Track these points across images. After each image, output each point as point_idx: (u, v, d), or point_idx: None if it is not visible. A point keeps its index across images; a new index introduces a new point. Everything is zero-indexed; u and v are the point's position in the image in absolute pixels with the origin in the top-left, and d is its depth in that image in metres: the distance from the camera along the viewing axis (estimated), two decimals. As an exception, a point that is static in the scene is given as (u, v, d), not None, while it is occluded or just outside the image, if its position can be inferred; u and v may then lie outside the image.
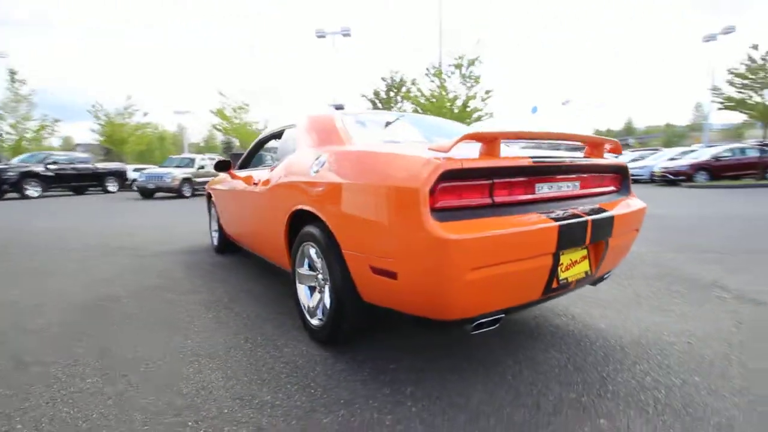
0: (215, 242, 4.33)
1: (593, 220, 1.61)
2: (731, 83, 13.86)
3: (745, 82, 13.56)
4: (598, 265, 1.77)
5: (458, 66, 13.24)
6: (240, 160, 3.57)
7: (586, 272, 1.72)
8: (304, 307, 2.13)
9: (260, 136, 3.34)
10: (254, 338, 2.11)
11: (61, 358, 1.90)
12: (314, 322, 2.03)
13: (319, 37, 20.76)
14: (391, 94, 18.80)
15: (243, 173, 3.26)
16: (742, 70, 13.75)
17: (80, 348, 2.01)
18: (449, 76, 13.84)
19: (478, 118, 13.75)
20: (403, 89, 18.30)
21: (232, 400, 1.54)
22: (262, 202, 2.54)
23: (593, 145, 1.86)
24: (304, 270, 2.15)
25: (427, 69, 14.38)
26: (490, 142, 1.41)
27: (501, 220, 1.38)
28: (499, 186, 1.45)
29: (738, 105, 13.88)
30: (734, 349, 1.88)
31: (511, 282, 1.41)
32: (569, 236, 1.48)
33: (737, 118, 16.54)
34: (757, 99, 13.24)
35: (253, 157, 3.52)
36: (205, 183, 15.73)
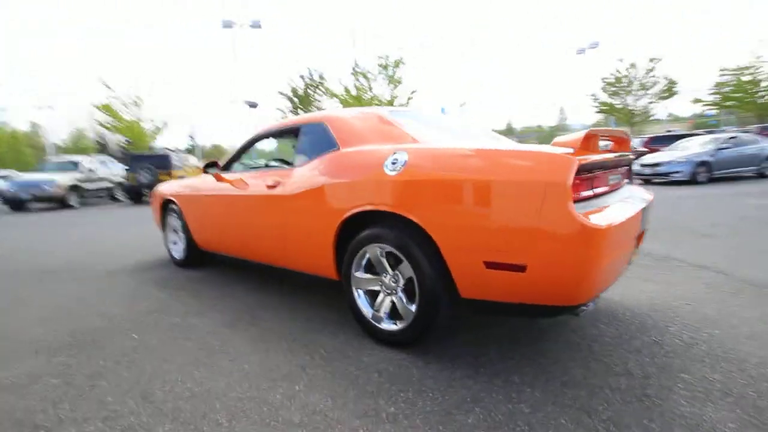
0: (178, 255, 3.81)
1: (645, 207, 1.88)
2: (604, 90, 16.84)
3: (613, 89, 16.60)
4: (637, 247, 2.06)
5: (385, 66, 13.53)
6: (226, 162, 3.19)
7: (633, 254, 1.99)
8: (367, 313, 2.05)
9: (256, 135, 3.04)
10: (318, 352, 1.96)
11: (99, 412, 1.53)
12: (388, 326, 1.97)
13: (226, 27, 19.25)
14: (310, 91, 18.36)
15: (237, 175, 2.94)
16: (612, 79, 16.80)
17: (126, 400, 1.64)
18: (375, 78, 14.07)
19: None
20: (323, 87, 18.03)
21: (359, 419, 1.43)
22: (292, 204, 2.34)
23: (621, 141, 2.14)
24: (362, 274, 2.06)
25: (353, 68, 14.41)
26: (591, 139, 1.56)
27: (609, 209, 1.53)
28: (596, 179, 1.60)
29: (611, 109, 16.89)
30: (725, 305, 2.34)
31: (616, 265, 1.58)
32: (645, 220, 1.71)
33: (594, 118, 19.99)
34: (627, 102, 16.26)
35: (240, 158, 3.18)
36: (99, 189, 13.55)
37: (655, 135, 14.04)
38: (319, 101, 18.46)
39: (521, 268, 1.49)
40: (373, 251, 1.97)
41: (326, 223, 2.15)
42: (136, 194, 12.44)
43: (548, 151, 1.49)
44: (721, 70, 16.99)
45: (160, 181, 10.63)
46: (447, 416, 1.43)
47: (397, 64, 13.45)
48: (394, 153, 1.89)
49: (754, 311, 2.21)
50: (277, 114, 19.10)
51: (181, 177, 8.59)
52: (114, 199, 13.95)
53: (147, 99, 20.85)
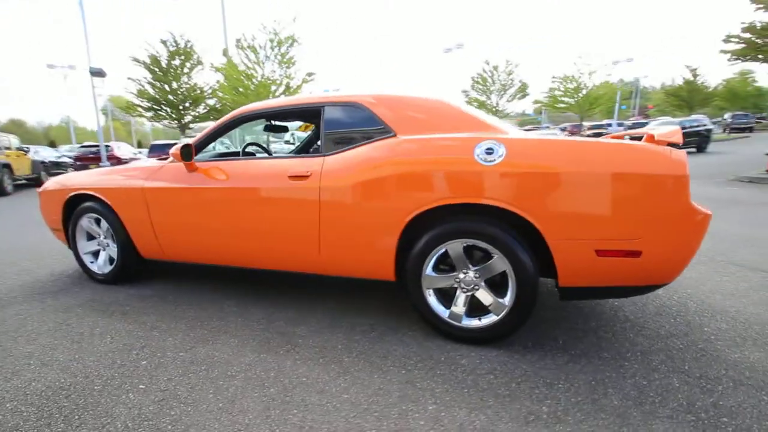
0: (100, 270, 2.89)
1: None
2: (473, 88, 19.04)
3: (482, 88, 18.92)
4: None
5: (279, 43, 12.32)
6: (194, 147, 2.48)
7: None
8: (442, 312, 1.93)
9: (238, 116, 2.44)
10: (405, 364, 1.77)
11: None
12: (469, 323, 1.89)
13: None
14: (176, 62, 15.60)
15: (224, 164, 2.35)
16: (479, 79, 19.10)
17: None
18: (269, 56, 12.70)
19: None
20: (194, 58, 15.50)
21: (528, 425, 1.36)
22: (337, 198, 2.00)
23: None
24: (433, 273, 1.93)
25: (238, 41, 12.70)
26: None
27: None
28: None
29: (480, 106, 19.18)
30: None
31: None
32: None
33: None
34: (492, 100, 18.72)
35: (208, 144, 2.52)
36: None
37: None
38: (187, 74, 15.88)
39: (637, 254, 1.62)
40: (455, 247, 1.85)
41: (390, 218, 1.92)
42: None
43: (658, 147, 1.63)
44: (553, 77, 21.20)
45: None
46: (594, 403, 1.47)
47: (288, 41, 12.38)
48: (484, 142, 1.79)
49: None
50: (130, 84, 15.74)
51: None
52: None
53: None
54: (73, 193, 2.83)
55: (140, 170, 2.64)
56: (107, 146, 14.38)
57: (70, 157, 16.03)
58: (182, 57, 15.61)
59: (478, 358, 1.79)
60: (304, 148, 3.39)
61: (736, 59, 9.19)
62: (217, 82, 15.97)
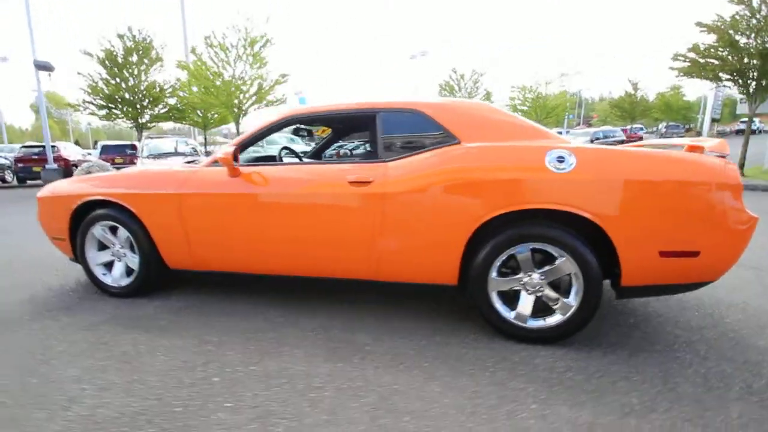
0: (116, 282, 2.68)
1: None
2: (440, 94, 19.52)
3: (448, 95, 19.47)
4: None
5: (252, 42, 11.87)
6: (243, 150, 2.37)
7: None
8: (507, 315, 2.01)
9: (282, 119, 2.36)
10: (485, 363, 1.82)
11: None
12: (536, 324, 1.98)
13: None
14: (133, 58, 14.56)
15: (271, 169, 2.28)
16: (446, 86, 19.67)
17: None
18: (241, 56, 12.17)
19: (272, 102, 13.01)
20: (153, 54, 14.54)
21: (621, 418, 1.45)
22: (404, 204, 2.02)
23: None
24: (498, 276, 2.00)
25: (208, 38, 12.08)
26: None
27: None
28: None
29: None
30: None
31: None
32: None
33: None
34: None
35: (252, 146, 2.42)
36: None
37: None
38: (145, 70, 14.87)
39: (695, 254, 1.78)
40: (522, 250, 1.94)
41: (458, 224, 1.96)
42: None
43: (714, 158, 1.81)
44: (512, 87, 22.41)
45: None
46: (697, 404, 1.61)
47: (260, 39, 11.94)
48: (554, 151, 1.89)
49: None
50: (80, 80, 14.47)
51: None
52: None
53: None
54: (84, 200, 2.60)
55: (168, 175, 2.48)
56: (53, 146, 13.12)
57: (6, 158, 14.46)
58: (140, 52, 14.61)
59: (551, 357, 1.88)
60: (319, 152, 3.35)
61: (683, 76, 10.20)
62: (178, 80, 15.13)
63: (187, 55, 17.12)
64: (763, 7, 8.72)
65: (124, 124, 16.10)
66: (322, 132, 3.66)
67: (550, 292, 1.97)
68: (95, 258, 2.71)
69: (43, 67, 13.03)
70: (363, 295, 2.64)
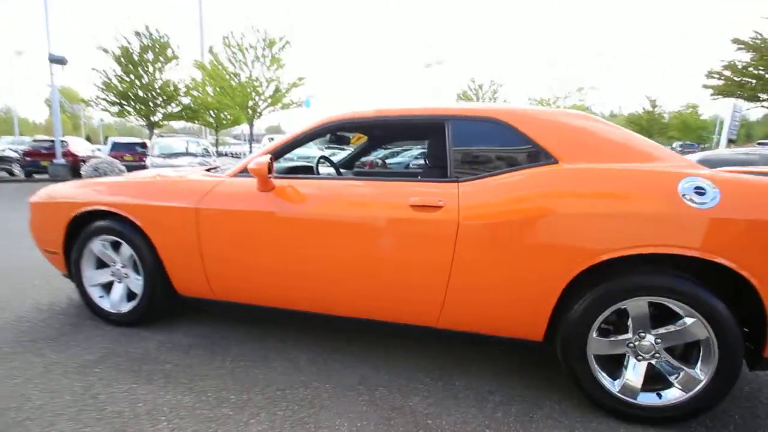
0: (114, 307, 2.27)
1: None
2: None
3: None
4: None
5: (271, 43, 11.59)
6: (279, 158, 1.96)
7: None
8: (610, 386, 1.56)
9: (326, 124, 1.94)
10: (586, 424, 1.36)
11: None
12: (648, 401, 1.53)
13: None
14: (148, 56, 14.36)
15: (324, 185, 1.85)
16: (464, 96, 19.40)
17: None
18: (259, 57, 11.88)
19: (288, 105, 12.69)
20: (169, 53, 14.32)
21: None
22: (484, 238, 1.58)
23: None
24: (599, 336, 1.56)
25: (226, 38, 11.83)
26: None
27: None
28: None
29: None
30: None
31: None
32: None
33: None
34: None
35: (288, 152, 2.01)
36: None
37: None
38: (160, 68, 14.66)
39: None
40: (638, 305, 1.49)
41: (555, 267, 1.53)
42: None
43: None
44: (529, 99, 22.14)
45: None
46: None
47: (280, 41, 11.65)
48: (689, 179, 1.45)
49: None
50: (92, 76, 14.26)
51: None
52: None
53: None
54: (84, 209, 2.20)
55: (186, 184, 2.07)
56: (63, 141, 12.86)
57: (15, 151, 14.24)
58: (157, 50, 14.41)
59: (673, 449, 1.43)
60: (351, 162, 2.94)
61: (718, 95, 9.74)
62: (192, 80, 14.88)
63: (203, 54, 16.95)
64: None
65: (136, 122, 15.88)
66: (357, 140, 3.27)
67: (668, 360, 1.53)
68: (92, 278, 2.29)
69: (58, 61, 12.86)
70: (398, 338, 2.20)
